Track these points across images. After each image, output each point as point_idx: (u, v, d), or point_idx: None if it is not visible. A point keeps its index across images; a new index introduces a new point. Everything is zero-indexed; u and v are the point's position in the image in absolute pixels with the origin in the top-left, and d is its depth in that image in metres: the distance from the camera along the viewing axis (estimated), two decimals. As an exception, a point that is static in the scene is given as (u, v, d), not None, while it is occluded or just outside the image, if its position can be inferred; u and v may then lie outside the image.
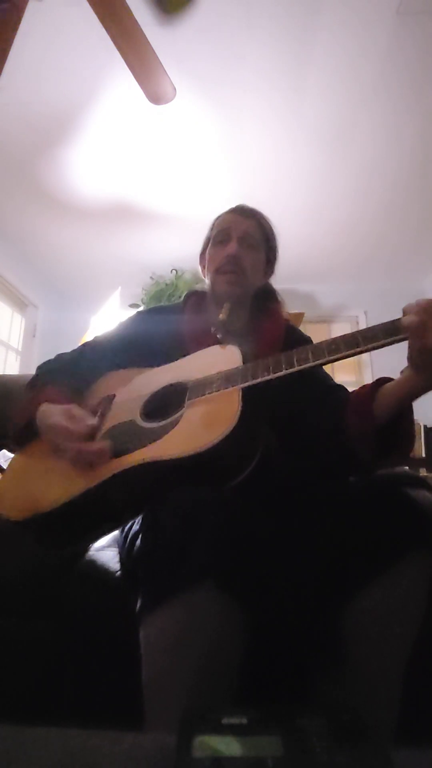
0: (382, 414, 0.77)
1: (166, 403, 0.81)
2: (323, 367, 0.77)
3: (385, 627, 0.62)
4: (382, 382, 0.81)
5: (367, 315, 4.08)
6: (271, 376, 0.72)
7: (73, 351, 1.04)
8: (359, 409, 0.80)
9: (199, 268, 1.11)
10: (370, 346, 0.69)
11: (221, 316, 0.99)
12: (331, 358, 0.71)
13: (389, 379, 0.81)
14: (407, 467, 2.89)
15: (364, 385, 0.84)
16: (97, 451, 0.73)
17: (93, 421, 0.80)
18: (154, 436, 0.74)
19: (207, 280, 1.06)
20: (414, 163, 2.72)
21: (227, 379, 0.76)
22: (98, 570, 0.86)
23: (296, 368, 0.72)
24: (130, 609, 0.61)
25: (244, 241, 1.01)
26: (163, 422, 0.77)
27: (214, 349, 0.88)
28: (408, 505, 0.68)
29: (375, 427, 0.78)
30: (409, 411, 0.79)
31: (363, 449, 0.78)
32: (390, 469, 0.87)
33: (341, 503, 0.73)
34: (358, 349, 0.70)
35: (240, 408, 0.68)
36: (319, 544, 0.69)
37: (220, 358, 0.82)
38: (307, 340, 1.05)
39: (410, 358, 0.70)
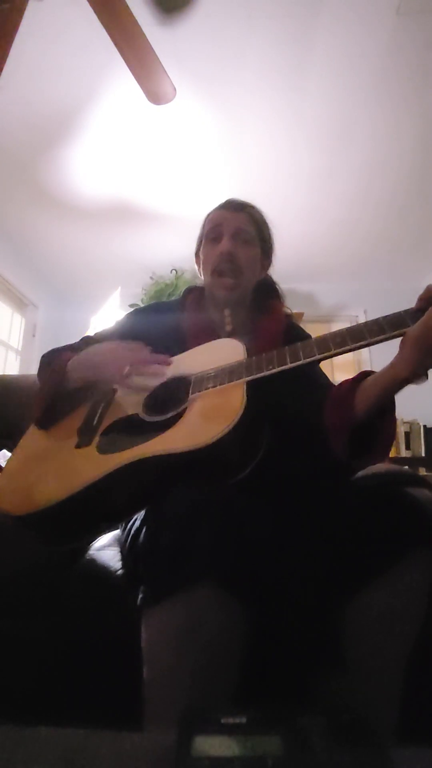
0: (363, 407, 0.74)
1: (169, 397, 0.80)
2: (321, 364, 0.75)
3: (386, 626, 0.62)
4: (364, 375, 0.78)
5: (366, 314, 4.06)
6: (276, 369, 0.71)
7: (75, 343, 1.02)
8: (340, 402, 0.77)
9: (196, 268, 1.10)
10: (375, 339, 0.67)
11: (228, 328, 0.98)
12: (337, 351, 0.69)
13: (372, 372, 0.77)
14: (407, 466, 2.89)
15: (346, 380, 0.80)
16: (160, 358, 0.81)
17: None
18: (158, 429, 0.73)
19: (204, 279, 1.04)
20: (414, 162, 2.72)
21: (231, 372, 0.74)
22: (99, 569, 0.86)
23: (301, 362, 0.70)
24: (131, 609, 0.61)
25: (237, 237, 0.98)
26: (167, 416, 0.76)
27: (217, 343, 0.86)
28: (409, 504, 0.68)
29: (352, 422, 0.74)
30: (391, 407, 0.75)
31: (336, 445, 0.75)
32: (371, 468, 0.85)
33: (342, 502, 0.72)
34: (364, 342, 0.67)
35: (245, 401, 0.67)
36: (321, 543, 0.69)
37: (223, 352, 0.81)
38: (307, 337, 1.02)
39: (404, 352, 0.66)
